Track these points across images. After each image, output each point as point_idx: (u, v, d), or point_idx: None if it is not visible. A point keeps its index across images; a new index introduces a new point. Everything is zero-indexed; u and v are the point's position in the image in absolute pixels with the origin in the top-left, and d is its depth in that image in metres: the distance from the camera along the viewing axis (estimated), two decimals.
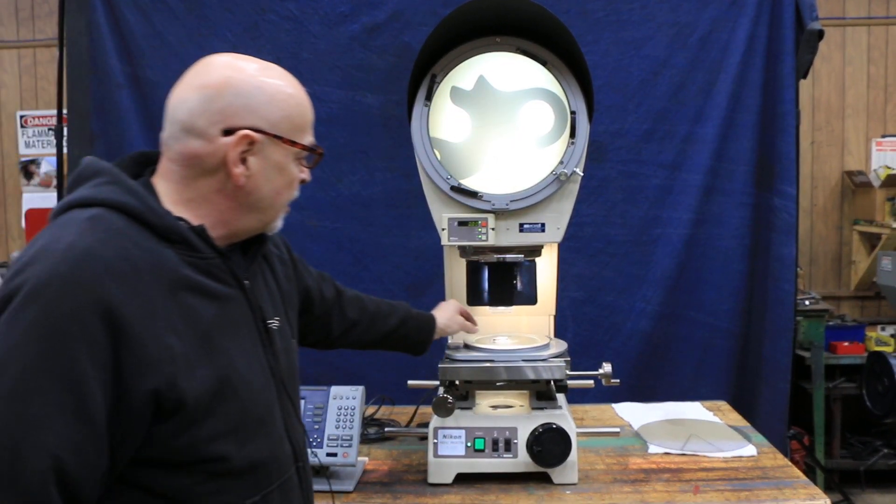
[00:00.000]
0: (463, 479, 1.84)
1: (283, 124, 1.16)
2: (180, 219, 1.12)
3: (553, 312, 2.12)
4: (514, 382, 1.90)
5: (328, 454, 1.84)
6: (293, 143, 1.18)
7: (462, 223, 1.86)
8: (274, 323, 1.26)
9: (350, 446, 1.86)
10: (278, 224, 1.25)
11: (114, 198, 1.07)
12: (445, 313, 1.96)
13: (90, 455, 0.98)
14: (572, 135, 1.84)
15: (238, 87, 1.13)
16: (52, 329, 0.95)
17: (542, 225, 1.88)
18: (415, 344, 1.88)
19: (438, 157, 1.87)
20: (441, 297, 2.12)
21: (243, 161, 1.13)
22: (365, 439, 2.14)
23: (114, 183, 1.10)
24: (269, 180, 1.17)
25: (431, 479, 1.85)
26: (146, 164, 1.21)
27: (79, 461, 0.96)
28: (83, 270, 0.98)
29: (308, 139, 1.21)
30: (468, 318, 2.01)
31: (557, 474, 1.83)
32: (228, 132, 1.12)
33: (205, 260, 1.12)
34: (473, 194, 1.85)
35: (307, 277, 1.64)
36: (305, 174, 1.24)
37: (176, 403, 1.03)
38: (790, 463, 1.97)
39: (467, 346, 1.96)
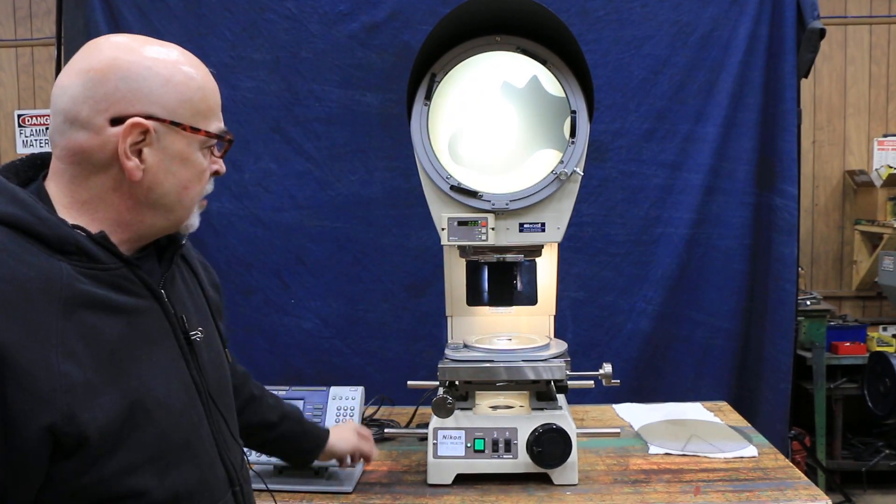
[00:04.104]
0: (463, 480, 1.84)
1: (181, 110, 1.03)
2: (76, 226, 0.98)
3: (553, 312, 2.11)
4: (514, 383, 1.89)
5: None
6: (196, 131, 1.05)
7: (462, 223, 1.85)
8: (197, 334, 1.13)
9: None
10: (193, 222, 1.12)
11: None
12: (340, 432, 1.73)
13: None
14: (572, 134, 1.84)
15: (126, 70, 1.00)
16: None
17: (542, 225, 1.88)
18: (299, 453, 1.66)
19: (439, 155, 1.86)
20: (441, 297, 2.11)
21: (139, 154, 1.01)
22: None
23: None
24: (172, 173, 1.04)
25: (431, 480, 1.84)
26: (43, 166, 1.07)
27: None
28: None
29: (214, 125, 1.08)
30: (367, 440, 1.78)
31: (557, 475, 1.82)
32: (117, 121, 0.99)
33: (107, 271, 0.99)
34: (473, 194, 1.85)
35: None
36: (218, 165, 1.11)
37: (77, 439, 0.91)
38: (791, 464, 1.96)
39: (467, 347, 1.96)
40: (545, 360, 1.86)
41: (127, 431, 0.96)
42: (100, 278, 0.98)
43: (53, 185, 1.03)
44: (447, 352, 1.92)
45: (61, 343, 0.91)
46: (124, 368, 0.97)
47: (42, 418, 0.88)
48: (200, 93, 1.05)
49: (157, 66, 1.02)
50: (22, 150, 4.85)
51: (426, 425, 1.89)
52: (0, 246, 0.92)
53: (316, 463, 1.73)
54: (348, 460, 1.73)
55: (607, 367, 1.90)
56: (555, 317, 2.12)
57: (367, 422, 2.22)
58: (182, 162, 1.05)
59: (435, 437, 1.85)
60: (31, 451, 0.88)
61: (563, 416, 1.85)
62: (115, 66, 0.99)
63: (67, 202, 1.02)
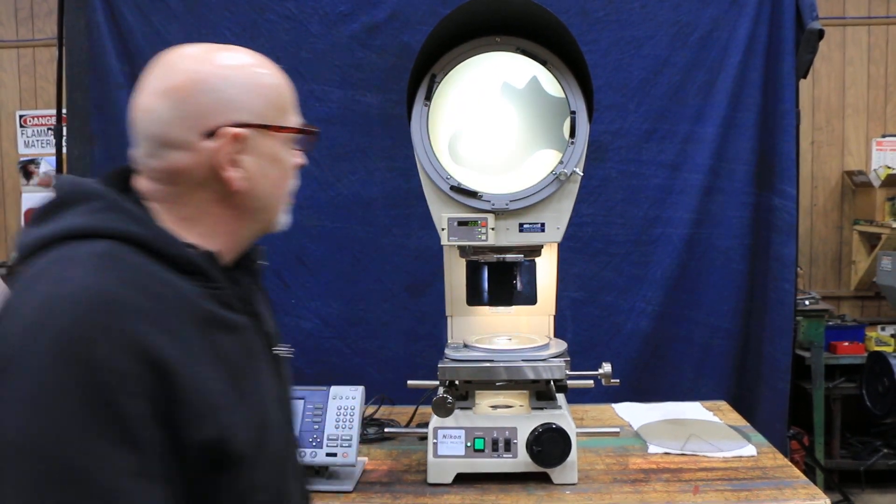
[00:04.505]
0: (463, 480, 1.84)
1: (266, 111, 1.03)
2: (188, 245, 0.99)
3: (553, 312, 2.12)
4: (514, 382, 1.90)
5: (328, 454, 1.84)
6: (282, 129, 1.05)
7: (462, 223, 1.85)
8: (281, 350, 1.14)
9: (349, 446, 1.86)
10: (284, 220, 1.13)
11: (120, 227, 0.93)
12: None
13: None
14: (572, 134, 1.84)
15: (206, 82, 0.99)
16: (93, 390, 0.81)
17: (542, 225, 1.88)
18: None
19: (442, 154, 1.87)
20: (441, 297, 2.12)
21: (236, 163, 1.00)
22: (364, 439, 2.13)
23: (113, 209, 0.95)
24: (266, 176, 1.04)
25: (431, 480, 1.84)
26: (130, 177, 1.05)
27: None
28: (110, 316, 0.84)
29: (295, 119, 1.09)
30: None
31: (557, 474, 1.82)
32: (209, 135, 0.98)
33: (220, 289, 0.99)
34: (473, 194, 1.85)
35: None
36: (300, 157, 1.11)
37: (226, 454, 0.92)
38: (790, 463, 1.97)
39: (467, 346, 1.96)
40: (545, 359, 1.86)
41: (259, 447, 0.97)
42: (216, 297, 0.98)
43: (152, 202, 1.01)
44: (447, 351, 1.93)
45: (205, 360, 0.92)
46: (247, 386, 0.99)
47: (202, 434, 0.89)
48: (277, 90, 1.06)
49: (234, 73, 1.01)
50: (24, 151, 4.86)
51: (426, 425, 1.89)
52: (136, 265, 0.91)
53: (316, 462, 1.72)
54: None
55: (607, 367, 1.91)
56: (555, 317, 2.13)
57: (368, 421, 2.23)
58: (273, 162, 1.05)
59: (435, 437, 1.85)
60: (193, 466, 0.89)
61: (563, 416, 1.86)
62: (196, 80, 0.98)
63: (172, 219, 1.00)
